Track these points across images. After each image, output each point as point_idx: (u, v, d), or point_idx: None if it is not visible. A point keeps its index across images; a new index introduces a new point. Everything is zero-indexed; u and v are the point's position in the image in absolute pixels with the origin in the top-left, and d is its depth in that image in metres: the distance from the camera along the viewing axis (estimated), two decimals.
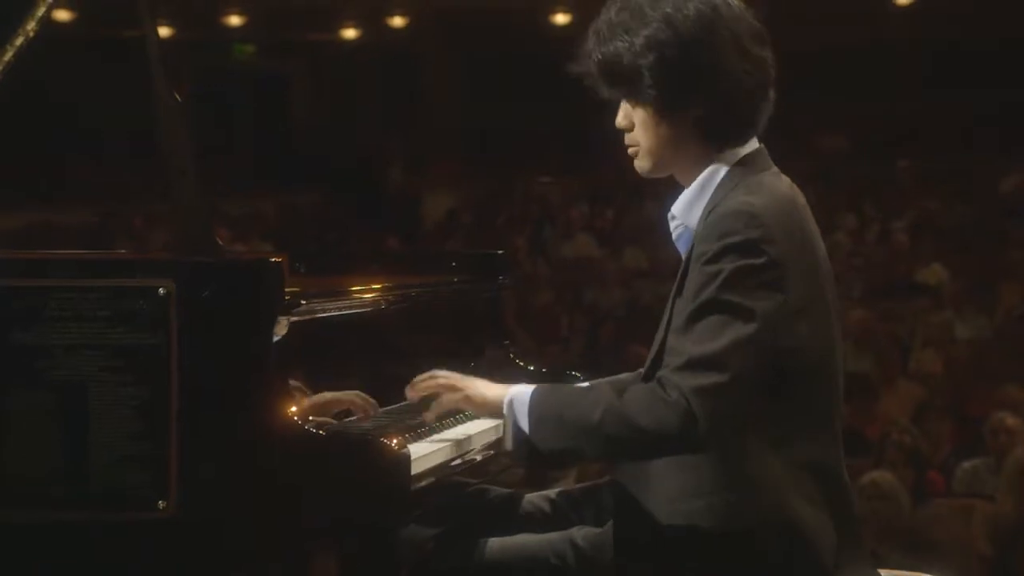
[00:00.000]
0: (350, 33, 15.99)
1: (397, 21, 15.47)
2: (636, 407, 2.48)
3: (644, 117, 2.62)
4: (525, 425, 2.58)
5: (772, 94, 2.64)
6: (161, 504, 2.59)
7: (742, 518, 2.55)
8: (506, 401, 2.62)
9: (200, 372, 2.60)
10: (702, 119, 2.59)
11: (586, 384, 3.00)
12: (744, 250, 2.48)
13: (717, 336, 2.45)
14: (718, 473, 2.56)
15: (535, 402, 2.58)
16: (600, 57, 2.61)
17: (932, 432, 6.76)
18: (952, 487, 6.28)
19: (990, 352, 8.43)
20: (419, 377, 2.81)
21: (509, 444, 2.63)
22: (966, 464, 6.35)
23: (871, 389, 7.37)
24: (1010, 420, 6.27)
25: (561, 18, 14.15)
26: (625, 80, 2.60)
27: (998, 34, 13.84)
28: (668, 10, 2.56)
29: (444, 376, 2.77)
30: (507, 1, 14.47)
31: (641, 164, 2.68)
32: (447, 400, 2.74)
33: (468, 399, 2.71)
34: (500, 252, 3.83)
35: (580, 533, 2.77)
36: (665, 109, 2.60)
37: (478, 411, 2.76)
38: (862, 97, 15.11)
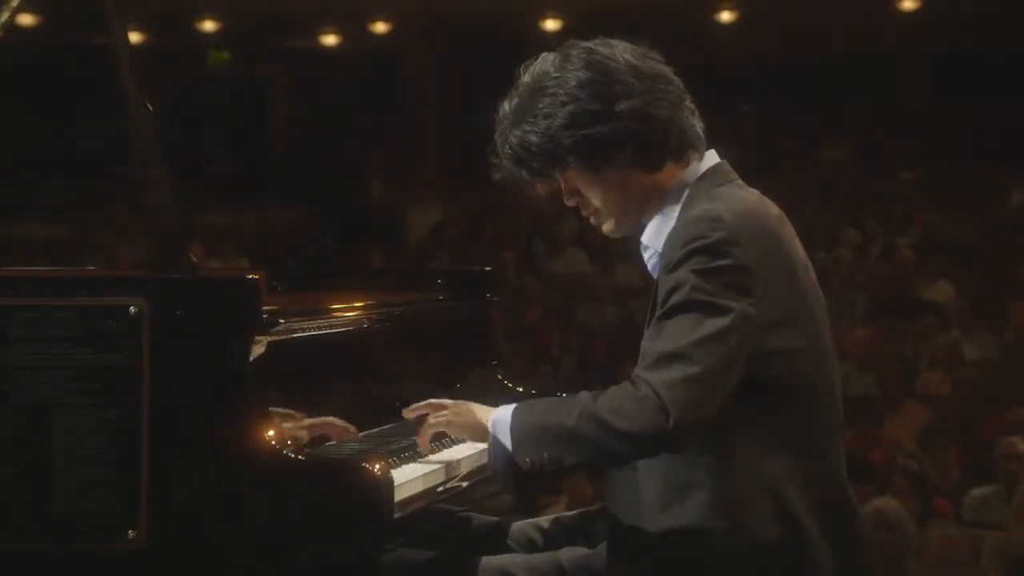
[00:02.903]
0: (331, 39, 15.99)
1: (380, 27, 15.48)
2: (609, 406, 2.54)
3: (582, 183, 2.73)
4: (508, 442, 2.63)
5: (687, 101, 2.72)
6: (131, 533, 2.58)
7: (735, 544, 2.58)
8: (490, 422, 2.68)
9: (173, 394, 2.60)
10: (634, 156, 2.68)
11: None
12: (709, 251, 2.55)
13: (687, 333, 2.52)
14: (711, 498, 2.58)
15: (516, 418, 2.64)
16: (514, 152, 2.71)
17: (939, 458, 6.77)
18: (960, 516, 6.28)
19: (1000, 373, 8.44)
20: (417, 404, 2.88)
21: (493, 463, 2.68)
22: (975, 492, 6.35)
23: (875, 412, 7.38)
24: (1022, 445, 6.28)
25: (551, 24, 14.18)
26: (549, 160, 2.70)
27: (1006, 43, 13.89)
28: (556, 78, 2.67)
29: (437, 401, 2.84)
30: (495, 6, 14.50)
31: (608, 226, 2.78)
32: (434, 421, 2.81)
33: (452, 422, 2.79)
34: (488, 268, 3.84)
35: (567, 555, 2.81)
36: (597, 166, 2.69)
37: (464, 433, 2.82)
38: (864, 107, 15.16)
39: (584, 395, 2.61)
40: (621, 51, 2.70)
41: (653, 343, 2.56)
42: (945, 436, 7.08)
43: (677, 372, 2.50)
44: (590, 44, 2.72)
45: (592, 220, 2.79)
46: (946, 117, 14.81)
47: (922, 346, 9.10)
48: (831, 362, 2.71)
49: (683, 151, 2.71)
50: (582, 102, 2.65)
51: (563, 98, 2.66)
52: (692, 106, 2.74)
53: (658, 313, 2.57)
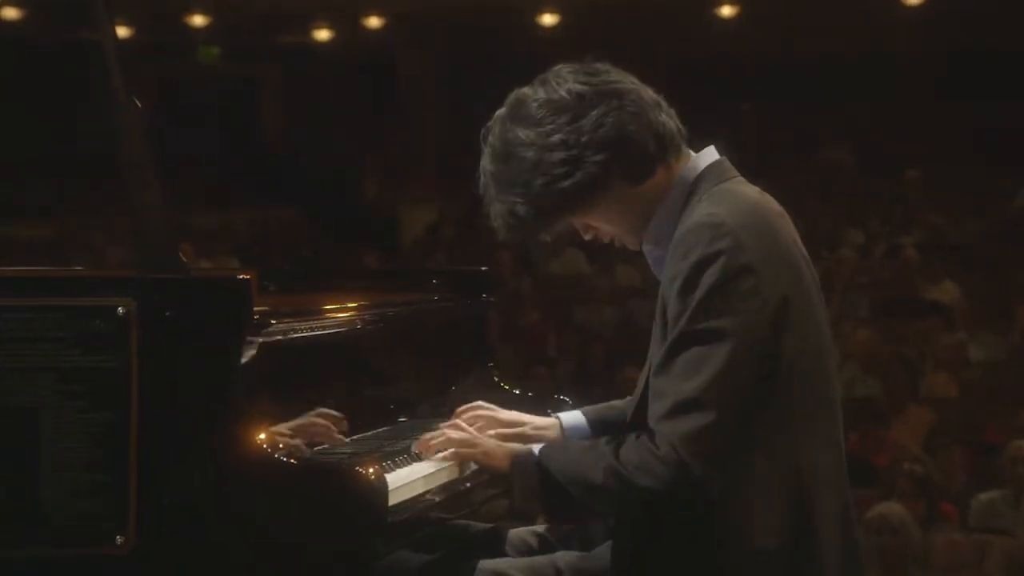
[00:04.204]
0: (323, 35, 15.99)
1: (374, 22, 15.47)
2: (632, 466, 2.58)
3: (587, 219, 2.77)
4: (535, 485, 2.68)
5: (649, 100, 2.72)
6: (119, 538, 2.57)
7: (739, 543, 2.59)
8: (516, 460, 2.74)
9: (162, 397, 2.59)
10: (624, 175, 2.69)
11: (572, 419, 3.06)
12: (713, 263, 2.56)
13: (696, 373, 2.54)
14: (715, 509, 2.58)
15: (544, 463, 2.69)
16: (508, 224, 2.75)
17: (945, 461, 6.78)
18: (967, 520, 6.28)
19: (1006, 375, 8.45)
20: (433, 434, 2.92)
21: (519, 502, 2.76)
22: (982, 496, 6.36)
23: (879, 415, 7.39)
24: None
25: (548, 18, 14.16)
26: (544, 220, 2.73)
27: (1010, 42, 13.90)
28: (518, 139, 2.69)
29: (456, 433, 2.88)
30: (491, 0, 14.50)
31: (631, 243, 2.82)
32: (462, 452, 2.86)
33: (479, 461, 2.84)
34: (484, 268, 3.84)
35: (563, 558, 2.83)
36: (591, 204, 2.71)
37: (487, 467, 2.85)
38: (868, 107, 15.16)
39: (604, 447, 2.64)
40: (565, 83, 2.69)
41: (663, 383, 2.57)
42: (951, 439, 7.08)
43: (693, 423, 2.52)
44: (532, 93, 2.71)
45: (616, 243, 2.83)
46: (950, 117, 14.83)
47: (927, 348, 9.11)
48: (832, 361, 2.73)
49: (666, 151, 2.72)
50: (548, 156, 2.66)
51: (532, 158, 2.67)
52: (657, 99, 2.74)
53: (668, 342, 2.58)
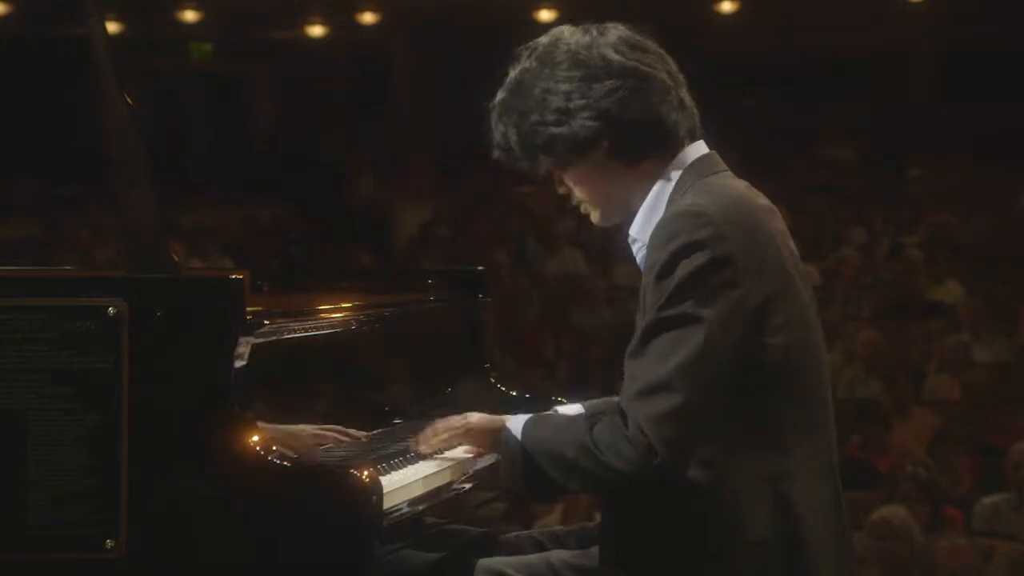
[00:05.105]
0: (316, 30, 15.99)
1: (367, 17, 15.48)
2: (602, 444, 2.62)
3: (565, 175, 2.82)
4: (519, 457, 2.72)
5: (677, 93, 2.77)
6: (109, 543, 2.57)
7: (731, 539, 2.62)
8: (501, 434, 2.78)
9: (153, 399, 2.59)
10: (616, 151, 2.75)
11: (573, 410, 3.11)
12: (692, 252, 2.59)
13: (668, 356, 2.58)
14: (707, 493, 2.63)
15: (525, 435, 2.74)
16: (499, 146, 2.82)
17: (949, 465, 6.77)
18: (971, 525, 6.29)
19: (1011, 377, 8.45)
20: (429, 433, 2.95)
21: (504, 474, 2.77)
22: (986, 500, 6.36)
23: (882, 417, 7.38)
24: None
25: (546, 14, 14.19)
26: (528, 155, 2.79)
27: (1016, 42, 13.91)
28: (534, 75, 2.76)
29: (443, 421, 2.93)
30: None
31: (594, 217, 2.87)
32: (454, 427, 2.90)
33: (471, 428, 2.88)
34: (480, 268, 3.84)
35: (558, 555, 2.87)
36: (570, 162, 2.78)
37: (478, 441, 2.89)
38: (871, 104, 15.18)
39: (582, 423, 2.69)
40: (603, 44, 2.75)
41: (635, 367, 2.62)
42: (955, 442, 7.08)
43: (661, 405, 2.56)
44: (570, 37, 2.78)
45: (581, 209, 2.87)
46: (955, 115, 14.84)
47: (931, 349, 9.11)
48: (821, 356, 2.76)
49: (665, 145, 2.76)
50: (551, 100, 2.74)
51: (536, 96, 2.75)
52: (683, 97, 2.78)
53: (641, 327, 2.63)
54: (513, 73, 2.81)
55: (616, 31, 2.78)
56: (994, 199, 13.17)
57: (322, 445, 2.95)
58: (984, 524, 6.25)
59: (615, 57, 2.74)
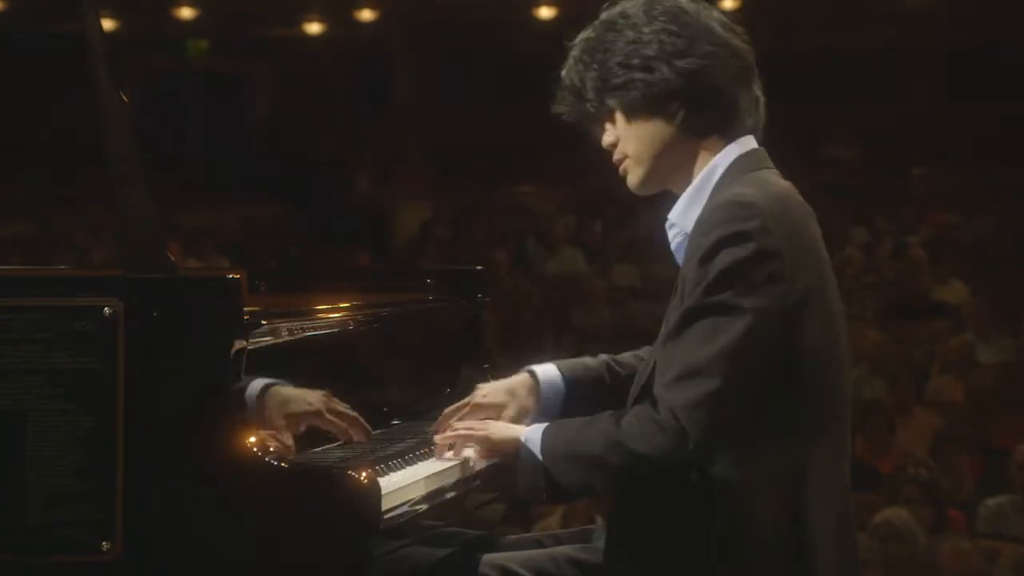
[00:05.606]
0: (314, 28, 15.99)
1: (366, 15, 15.48)
2: (631, 433, 2.61)
3: (623, 126, 2.78)
4: (539, 465, 2.71)
5: (755, 86, 2.79)
6: (105, 545, 2.57)
7: (740, 537, 2.62)
8: (521, 441, 2.76)
9: (150, 400, 2.59)
10: (685, 116, 2.73)
11: (545, 370, 3.12)
12: (738, 243, 2.58)
13: (708, 342, 2.57)
14: (718, 490, 2.62)
15: (545, 442, 2.72)
16: (573, 83, 2.78)
17: (952, 466, 6.78)
18: (974, 527, 6.29)
19: (1016, 377, 8.45)
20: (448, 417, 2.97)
21: (522, 483, 2.75)
22: (990, 502, 6.37)
23: (885, 418, 7.39)
24: None
25: (546, 12, 14.18)
26: (598, 95, 2.76)
27: (1019, 41, 13.91)
28: (630, 19, 2.75)
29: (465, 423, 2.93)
30: None
31: (633, 178, 2.81)
32: (471, 433, 2.89)
33: (489, 437, 2.86)
34: (479, 268, 3.84)
35: (562, 550, 2.88)
36: (638, 112, 2.75)
37: (495, 451, 2.87)
38: (874, 103, 15.17)
39: (607, 419, 2.67)
40: (706, 14, 2.77)
41: (673, 351, 2.60)
42: (958, 443, 7.09)
43: (697, 390, 2.55)
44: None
45: (620, 170, 2.82)
46: (958, 114, 14.84)
47: (934, 349, 9.11)
48: (846, 359, 2.76)
49: (732, 126, 2.76)
50: (642, 46, 2.72)
51: (627, 38, 2.73)
52: (758, 93, 2.79)
53: (682, 310, 2.61)
54: (606, 15, 2.79)
55: (714, 8, 2.80)
56: (998, 198, 13.18)
57: (326, 413, 2.92)
58: (988, 526, 6.26)
59: (717, 28, 2.75)
